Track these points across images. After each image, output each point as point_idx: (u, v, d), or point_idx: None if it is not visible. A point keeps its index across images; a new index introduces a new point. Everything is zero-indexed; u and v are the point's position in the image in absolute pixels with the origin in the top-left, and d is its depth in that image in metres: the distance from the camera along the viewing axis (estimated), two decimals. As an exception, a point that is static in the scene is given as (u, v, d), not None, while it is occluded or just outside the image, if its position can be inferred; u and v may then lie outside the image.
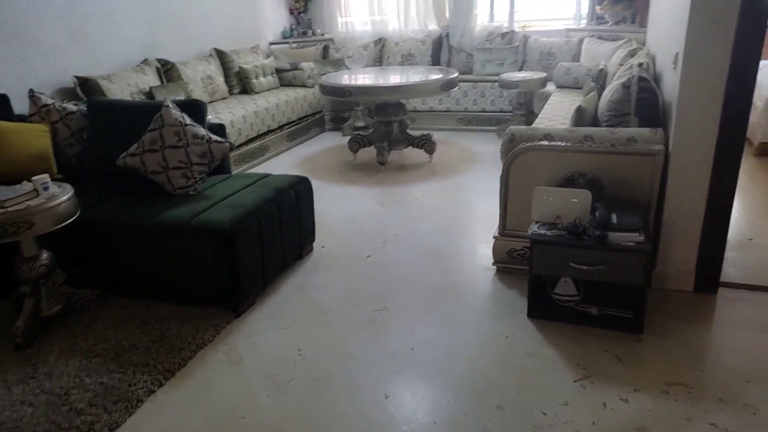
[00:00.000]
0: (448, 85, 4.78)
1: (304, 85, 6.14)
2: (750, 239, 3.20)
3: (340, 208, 4.08)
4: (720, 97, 2.43)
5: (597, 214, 2.48)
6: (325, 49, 6.81)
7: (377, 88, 4.72)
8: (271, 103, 5.42)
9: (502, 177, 2.92)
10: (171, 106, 2.97)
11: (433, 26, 6.74)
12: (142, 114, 3.14)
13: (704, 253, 2.66)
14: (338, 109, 6.53)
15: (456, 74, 4.93)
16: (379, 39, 6.84)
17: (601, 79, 4.72)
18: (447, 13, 6.57)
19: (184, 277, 2.72)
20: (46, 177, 2.50)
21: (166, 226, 2.66)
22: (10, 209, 2.30)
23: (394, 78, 5.15)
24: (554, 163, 2.77)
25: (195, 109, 3.14)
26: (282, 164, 5.25)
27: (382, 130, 5.03)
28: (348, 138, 5.14)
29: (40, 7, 3.96)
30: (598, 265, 2.38)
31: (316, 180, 4.15)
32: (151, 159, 2.92)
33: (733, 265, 2.86)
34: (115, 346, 2.47)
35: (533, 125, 3.15)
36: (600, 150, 2.70)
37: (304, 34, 7.10)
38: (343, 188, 4.49)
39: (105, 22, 4.49)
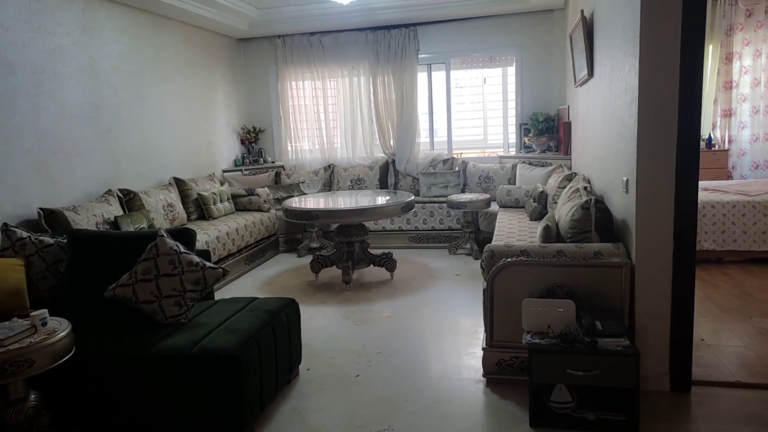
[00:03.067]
0: (407, 207, 5.11)
1: (260, 210, 6.31)
2: (702, 339, 3.54)
3: (316, 328, 4.11)
4: (671, 215, 2.84)
5: (583, 321, 2.71)
6: (277, 175, 7.11)
7: (343, 211, 4.96)
8: (231, 227, 5.50)
9: (486, 291, 3.13)
10: (165, 235, 3.02)
11: (379, 153, 7.25)
12: (129, 245, 3.16)
13: (675, 354, 2.93)
14: (292, 231, 6.70)
15: (412, 197, 5.29)
16: (329, 165, 7.25)
17: (542, 199, 5.24)
18: (392, 142, 7.13)
19: (181, 409, 2.62)
20: (44, 312, 2.44)
21: (165, 357, 2.60)
22: (11, 348, 2.21)
23: (353, 201, 5.43)
24: (534, 276, 3.03)
25: (186, 236, 3.20)
26: (244, 287, 5.23)
27: (345, 251, 5.20)
28: (304, 259, 5.25)
29: (9, 143, 3.98)
30: (594, 370, 2.57)
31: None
32: (144, 288, 2.90)
33: (696, 365, 3.14)
34: (113, 492, 2.30)
35: (505, 243, 3.44)
36: (573, 264, 2.99)
37: (256, 161, 7.40)
38: (314, 308, 4.53)
39: (70, 157, 4.54)
